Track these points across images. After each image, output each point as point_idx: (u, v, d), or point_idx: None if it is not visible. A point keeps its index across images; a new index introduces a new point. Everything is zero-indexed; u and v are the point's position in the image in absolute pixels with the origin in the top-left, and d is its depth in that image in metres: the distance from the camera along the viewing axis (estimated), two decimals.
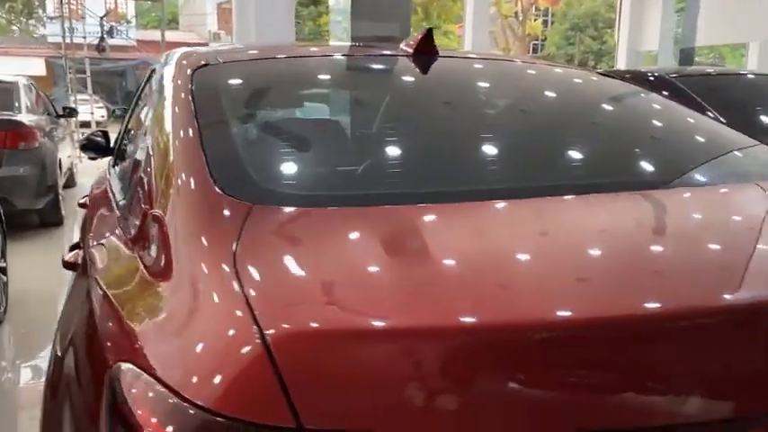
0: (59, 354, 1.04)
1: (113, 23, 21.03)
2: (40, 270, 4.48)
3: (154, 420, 0.65)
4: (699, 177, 1.31)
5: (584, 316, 0.71)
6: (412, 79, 1.63)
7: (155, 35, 29.85)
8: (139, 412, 0.66)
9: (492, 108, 1.60)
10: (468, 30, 13.67)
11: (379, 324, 0.68)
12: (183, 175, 1.05)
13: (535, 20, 22.20)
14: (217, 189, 0.97)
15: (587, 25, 36.76)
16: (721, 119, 3.36)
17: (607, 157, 1.38)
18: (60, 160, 6.51)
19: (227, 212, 0.92)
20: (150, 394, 0.68)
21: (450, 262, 0.86)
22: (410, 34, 7.27)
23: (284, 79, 1.50)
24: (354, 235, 0.93)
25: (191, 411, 0.63)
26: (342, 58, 1.74)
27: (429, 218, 0.99)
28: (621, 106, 1.72)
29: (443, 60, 1.65)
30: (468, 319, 0.69)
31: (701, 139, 1.54)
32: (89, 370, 0.86)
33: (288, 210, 0.96)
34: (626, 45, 13.89)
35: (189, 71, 1.44)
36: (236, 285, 0.74)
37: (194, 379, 0.66)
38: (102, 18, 16.66)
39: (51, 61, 21.81)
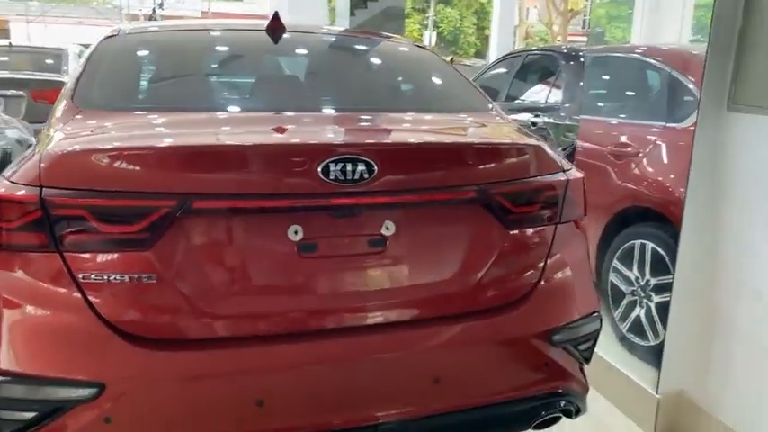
0: None
1: None
2: None
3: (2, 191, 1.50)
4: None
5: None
6: (242, 44, 2.44)
7: (220, 7, 31.22)
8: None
9: (291, 61, 2.41)
10: (497, 4, 14.14)
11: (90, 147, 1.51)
12: (63, 95, 1.92)
13: None
14: (71, 101, 1.84)
15: None
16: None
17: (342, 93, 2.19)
18: None
19: (69, 112, 1.78)
20: (2, 183, 1.53)
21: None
22: (404, 3, 8.02)
23: (153, 44, 2.32)
24: (123, 121, 1.76)
25: (8, 184, 1.49)
26: (212, 32, 2.55)
27: (181, 118, 1.81)
28: (385, 63, 2.49)
29: (286, 34, 2.41)
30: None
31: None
32: None
33: (96, 111, 1.81)
34: None
35: (101, 38, 2.29)
36: (51, 137, 1.59)
37: (16, 174, 1.51)
38: None
39: None
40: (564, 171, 1.84)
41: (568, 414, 1.85)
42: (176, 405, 1.47)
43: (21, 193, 1.44)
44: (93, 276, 1.44)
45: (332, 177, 1.51)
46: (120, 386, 1.43)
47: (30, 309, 1.46)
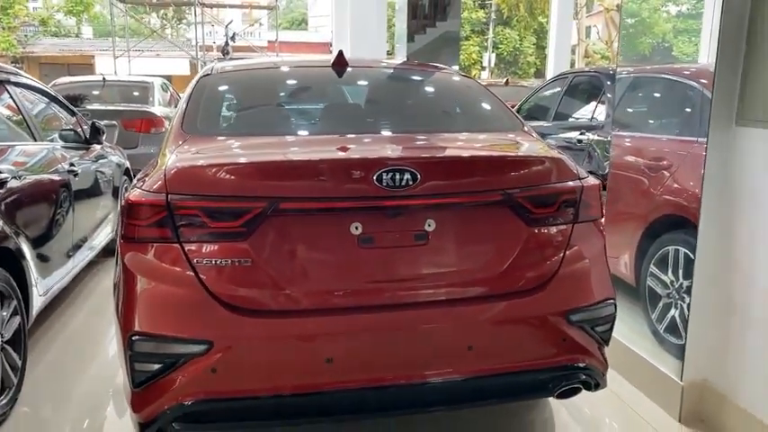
0: None
1: (247, 27, 23.69)
2: None
3: (133, 197, 1.98)
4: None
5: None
6: (312, 78, 2.92)
7: (286, 36, 32.72)
8: (130, 198, 2.00)
9: (352, 91, 2.86)
10: (554, 20, 14.45)
11: (211, 163, 1.99)
12: (174, 123, 2.42)
13: None
14: (181, 129, 2.33)
15: None
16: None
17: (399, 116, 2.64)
18: None
19: (179, 137, 2.27)
20: (136, 191, 2.01)
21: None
22: (460, 28, 8.48)
23: (239, 80, 2.84)
24: (222, 143, 2.24)
25: (141, 191, 1.97)
26: (287, 68, 3.06)
27: (271, 140, 2.28)
28: (431, 90, 2.90)
29: (348, 68, 2.87)
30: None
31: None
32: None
33: (200, 136, 2.29)
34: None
35: (199, 77, 2.81)
36: (169, 155, 2.07)
37: (146, 183, 1.99)
38: (226, 26, 19.36)
39: (194, 62, 25.07)
40: (580, 179, 2.18)
41: (588, 387, 2.16)
42: (264, 360, 1.90)
43: (152, 198, 1.92)
44: (204, 260, 1.89)
45: (384, 184, 1.91)
46: (223, 344, 1.87)
47: (156, 285, 1.93)
